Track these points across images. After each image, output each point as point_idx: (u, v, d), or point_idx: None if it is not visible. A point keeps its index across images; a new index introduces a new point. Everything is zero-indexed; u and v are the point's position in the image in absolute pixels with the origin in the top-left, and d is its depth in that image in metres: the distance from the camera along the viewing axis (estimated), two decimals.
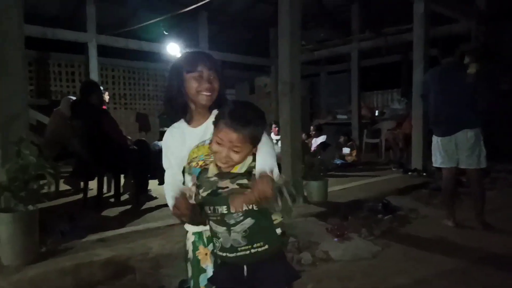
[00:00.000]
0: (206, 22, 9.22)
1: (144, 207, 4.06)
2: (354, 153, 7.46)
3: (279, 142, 4.78)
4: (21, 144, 2.46)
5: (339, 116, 10.53)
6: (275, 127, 7.13)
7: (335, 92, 12.18)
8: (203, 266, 1.49)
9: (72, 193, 4.87)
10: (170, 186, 1.48)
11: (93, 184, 4.29)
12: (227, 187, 1.28)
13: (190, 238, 1.53)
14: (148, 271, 2.53)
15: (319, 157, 4.46)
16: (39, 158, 2.51)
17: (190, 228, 1.53)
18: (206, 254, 1.50)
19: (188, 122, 1.52)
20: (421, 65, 6.02)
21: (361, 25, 9.14)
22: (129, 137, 4.40)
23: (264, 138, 1.36)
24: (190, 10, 7.24)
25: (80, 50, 8.09)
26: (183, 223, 1.48)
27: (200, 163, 1.42)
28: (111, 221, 3.57)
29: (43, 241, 2.66)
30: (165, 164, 1.54)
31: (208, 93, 1.45)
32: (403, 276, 2.70)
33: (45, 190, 2.58)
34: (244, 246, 1.29)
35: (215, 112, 1.43)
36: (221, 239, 1.31)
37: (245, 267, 1.32)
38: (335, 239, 3.25)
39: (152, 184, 4.47)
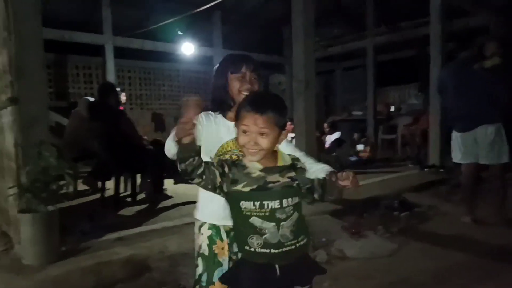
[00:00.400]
0: (220, 21, 9.24)
1: (160, 206, 4.11)
2: (369, 149, 7.39)
3: (294, 140, 4.78)
4: (42, 146, 2.53)
5: (354, 113, 10.42)
6: (290, 124, 7.11)
7: (350, 88, 12.05)
8: (220, 259, 1.50)
9: (90, 193, 4.96)
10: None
11: (109, 184, 4.37)
12: (278, 181, 1.28)
13: (206, 232, 1.53)
14: (165, 270, 2.56)
15: (333, 154, 4.44)
16: (59, 160, 2.56)
17: (207, 220, 1.54)
18: (223, 248, 1.50)
19: (225, 116, 1.57)
20: (439, 60, 5.92)
21: (376, 20, 9.02)
22: (145, 137, 4.46)
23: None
24: (203, 10, 7.26)
25: (97, 52, 8.20)
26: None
27: (234, 157, 1.43)
28: (129, 220, 3.63)
29: (63, 240, 2.72)
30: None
31: (249, 93, 1.50)
32: (422, 274, 2.68)
33: (64, 191, 2.64)
34: (291, 240, 1.28)
35: None
36: (267, 235, 1.26)
37: (277, 266, 1.29)
38: (351, 237, 3.24)
39: (168, 183, 4.52)
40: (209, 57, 9.45)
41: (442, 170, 5.67)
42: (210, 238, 1.52)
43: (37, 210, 2.51)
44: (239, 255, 1.38)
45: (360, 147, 7.49)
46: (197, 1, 7.76)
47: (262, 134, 1.25)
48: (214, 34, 9.27)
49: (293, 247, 1.29)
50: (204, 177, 1.26)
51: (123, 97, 5.98)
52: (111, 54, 7.77)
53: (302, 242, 1.32)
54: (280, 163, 1.32)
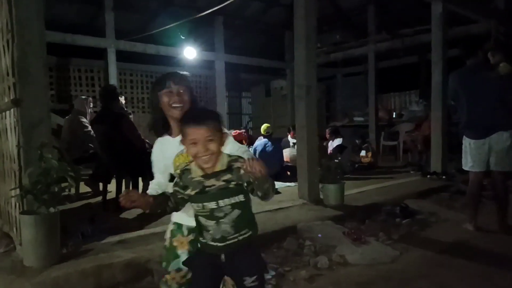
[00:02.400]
0: (222, 26, 9.28)
1: None
2: (370, 155, 7.39)
3: (296, 145, 4.78)
4: (44, 149, 2.53)
5: (355, 119, 10.43)
6: (292, 133, 7.13)
7: (352, 94, 12.08)
8: (178, 252, 1.68)
9: (91, 195, 4.97)
10: (152, 185, 1.74)
11: (111, 187, 4.36)
12: (214, 185, 1.45)
13: (170, 227, 1.74)
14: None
15: (336, 160, 4.44)
16: (61, 162, 2.57)
17: (173, 218, 1.74)
18: (182, 242, 1.68)
19: (170, 134, 1.73)
20: (440, 66, 5.94)
21: (377, 26, 9.06)
22: (147, 141, 4.46)
23: (237, 146, 1.63)
24: (206, 15, 7.29)
25: (99, 56, 8.23)
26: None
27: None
28: (130, 223, 3.62)
29: (64, 242, 2.72)
30: (156, 173, 1.78)
31: (179, 105, 1.64)
32: (423, 280, 2.66)
33: (66, 193, 2.63)
34: (233, 234, 1.46)
35: None
36: (211, 231, 1.46)
37: (222, 255, 1.47)
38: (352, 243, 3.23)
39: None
40: (211, 62, 9.48)
41: (443, 177, 5.67)
42: (172, 232, 1.72)
43: (38, 212, 2.50)
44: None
45: (361, 153, 7.49)
46: (200, 6, 7.81)
47: (210, 141, 1.42)
48: (216, 39, 9.30)
49: (236, 240, 1.46)
50: (175, 203, 1.52)
51: (122, 100, 6.02)
52: (113, 57, 7.80)
53: (245, 235, 1.48)
54: (217, 168, 1.46)
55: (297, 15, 4.30)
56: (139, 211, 4.07)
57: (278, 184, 5.47)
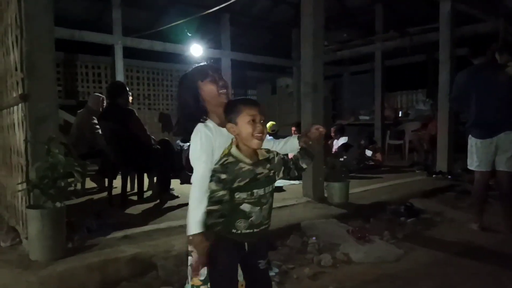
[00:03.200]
0: (229, 23, 9.28)
1: (166, 205, 4.13)
2: (378, 156, 7.36)
3: None
4: (51, 143, 2.55)
5: (361, 117, 10.40)
6: (294, 130, 7.11)
7: (358, 92, 12.03)
8: None
9: (97, 191, 5.01)
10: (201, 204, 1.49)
11: (116, 182, 4.39)
12: (262, 173, 1.53)
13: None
14: (170, 269, 2.57)
15: (341, 159, 4.43)
16: (68, 157, 2.59)
17: None
18: None
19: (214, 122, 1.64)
20: (447, 66, 5.90)
21: (384, 25, 9.00)
22: (153, 137, 4.48)
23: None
24: (212, 12, 7.30)
25: (107, 52, 8.27)
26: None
27: (226, 151, 1.56)
28: (135, 218, 3.64)
29: (70, 237, 2.74)
30: (205, 162, 1.53)
31: (225, 90, 1.67)
32: (428, 280, 2.65)
33: (72, 188, 2.66)
34: (267, 219, 1.59)
35: None
36: (253, 218, 1.52)
37: (245, 244, 1.56)
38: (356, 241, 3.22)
39: (174, 183, 4.53)
40: (217, 59, 9.47)
41: (449, 176, 5.63)
42: None
43: (45, 206, 2.53)
44: None
45: (367, 152, 7.46)
46: (207, 3, 7.81)
47: (263, 121, 1.52)
48: (222, 36, 9.30)
49: (267, 225, 1.60)
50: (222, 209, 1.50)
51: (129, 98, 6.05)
52: (120, 54, 7.83)
53: (269, 223, 1.62)
54: (261, 157, 1.56)
55: (305, 12, 4.28)
56: (144, 206, 4.13)
57: (283, 182, 5.47)
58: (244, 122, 1.49)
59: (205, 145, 1.54)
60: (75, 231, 2.93)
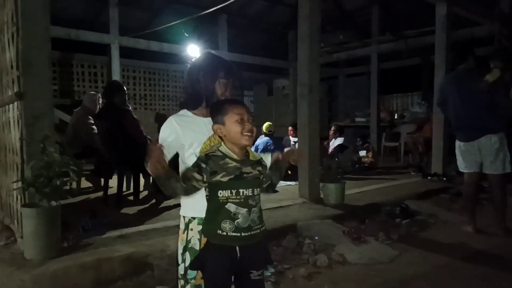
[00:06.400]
0: (226, 24, 9.27)
1: (162, 205, 4.12)
2: (371, 155, 7.39)
3: (297, 144, 4.78)
4: (46, 142, 2.54)
5: (357, 119, 10.42)
6: (291, 130, 7.13)
7: (354, 94, 12.07)
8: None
9: (93, 190, 4.99)
10: None
11: (112, 182, 4.38)
12: (251, 173, 1.47)
13: (196, 227, 1.61)
14: (165, 268, 2.56)
15: (336, 159, 4.45)
16: (63, 156, 2.58)
17: (197, 214, 1.59)
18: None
19: (194, 112, 1.68)
20: (443, 69, 5.94)
21: (381, 27, 9.04)
22: (149, 137, 4.47)
23: None
24: (210, 13, 7.30)
25: (103, 51, 8.23)
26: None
27: (215, 148, 1.54)
28: (131, 218, 3.64)
29: (65, 236, 2.73)
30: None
31: (228, 96, 1.68)
32: (422, 281, 2.68)
33: (67, 187, 2.65)
34: (257, 225, 1.48)
35: None
36: (239, 220, 1.43)
37: (237, 248, 1.46)
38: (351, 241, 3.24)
39: None
40: None
41: (444, 178, 5.67)
42: (200, 232, 1.59)
43: (40, 205, 2.52)
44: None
45: (362, 153, 7.49)
46: (204, 3, 7.82)
47: (252, 120, 1.49)
48: (219, 37, 9.30)
49: (258, 231, 1.48)
50: (187, 189, 1.46)
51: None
52: (116, 53, 7.81)
53: (263, 228, 1.52)
54: (251, 157, 1.52)
55: (301, 14, 4.30)
56: (139, 206, 4.12)
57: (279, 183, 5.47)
58: (231, 121, 1.47)
59: (168, 134, 1.64)
60: (70, 230, 2.92)
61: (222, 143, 1.51)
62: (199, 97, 1.67)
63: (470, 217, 3.72)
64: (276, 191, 4.83)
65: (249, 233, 1.45)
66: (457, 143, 3.74)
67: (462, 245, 3.37)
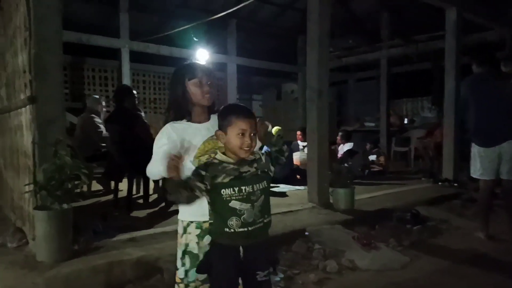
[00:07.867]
0: (235, 29, 9.32)
1: (171, 209, 4.12)
2: (382, 159, 7.33)
3: (306, 149, 4.76)
4: (58, 145, 2.56)
5: (367, 124, 10.38)
6: (299, 134, 7.11)
7: (364, 99, 12.02)
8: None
9: (103, 193, 5.02)
10: (155, 162, 1.67)
11: (122, 186, 4.40)
12: (249, 171, 1.55)
13: (194, 231, 1.67)
14: (175, 272, 2.56)
15: (345, 164, 4.42)
16: (75, 159, 2.60)
17: (194, 218, 1.67)
18: (208, 244, 1.65)
19: (190, 120, 1.72)
20: (453, 73, 5.89)
21: (390, 32, 9.01)
22: None
23: None
24: (219, 17, 7.34)
25: (113, 56, 8.32)
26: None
27: (213, 155, 1.61)
28: (141, 221, 3.65)
29: (76, 239, 2.75)
30: (156, 153, 1.70)
31: (209, 95, 1.70)
32: None
33: (78, 190, 2.67)
34: (260, 218, 1.54)
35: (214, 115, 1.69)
36: (244, 215, 1.51)
37: (240, 248, 1.53)
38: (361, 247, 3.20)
39: None
40: (223, 64, 9.51)
41: (455, 184, 5.60)
42: (198, 236, 1.66)
43: (51, 207, 2.54)
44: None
45: (371, 157, 7.44)
46: (213, 8, 7.86)
47: (254, 135, 1.54)
48: (228, 41, 9.34)
49: (262, 224, 1.55)
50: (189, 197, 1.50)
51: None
52: (127, 58, 7.88)
53: (266, 220, 1.57)
54: (246, 158, 1.56)
55: (311, 19, 4.30)
56: (149, 210, 4.13)
57: (288, 187, 5.46)
58: (233, 133, 1.52)
59: (164, 142, 1.68)
60: (81, 233, 2.93)
61: (218, 150, 1.59)
62: (179, 107, 1.72)
63: (483, 224, 3.67)
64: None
65: (253, 227, 1.52)
66: (476, 148, 3.65)
67: (474, 252, 3.32)
